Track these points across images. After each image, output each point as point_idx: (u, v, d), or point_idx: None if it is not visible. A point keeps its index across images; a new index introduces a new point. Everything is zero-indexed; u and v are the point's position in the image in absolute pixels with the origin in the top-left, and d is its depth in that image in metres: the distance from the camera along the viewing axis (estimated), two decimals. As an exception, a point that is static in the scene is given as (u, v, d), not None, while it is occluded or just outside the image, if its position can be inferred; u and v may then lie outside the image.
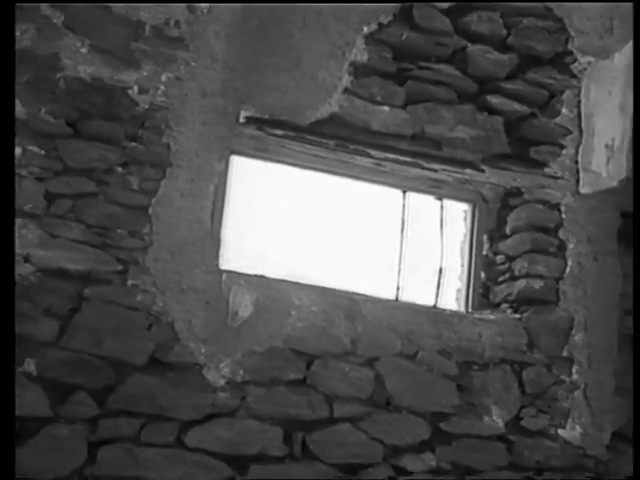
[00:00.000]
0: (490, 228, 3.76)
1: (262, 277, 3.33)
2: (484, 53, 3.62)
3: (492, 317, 3.57)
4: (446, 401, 3.45)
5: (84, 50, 3.10)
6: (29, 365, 3.02)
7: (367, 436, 3.33)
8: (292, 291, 3.32)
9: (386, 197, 3.65)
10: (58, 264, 3.08)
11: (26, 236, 3.05)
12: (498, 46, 3.64)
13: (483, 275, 3.76)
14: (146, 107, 3.18)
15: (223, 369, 3.19)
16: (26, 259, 3.05)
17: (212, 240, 3.26)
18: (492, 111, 3.63)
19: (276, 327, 3.26)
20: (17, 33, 3.01)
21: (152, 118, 3.18)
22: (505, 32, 3.65)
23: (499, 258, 3.74)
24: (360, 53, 3.44)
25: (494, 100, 3.64)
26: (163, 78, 3.20)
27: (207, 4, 3.20)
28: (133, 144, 3.17)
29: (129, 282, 3.15)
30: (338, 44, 3.40)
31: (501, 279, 3.71)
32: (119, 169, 3.16)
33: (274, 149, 3.43)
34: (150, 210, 3.19)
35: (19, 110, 3.03)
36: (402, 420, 3.39)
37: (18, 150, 3.03)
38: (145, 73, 3.18)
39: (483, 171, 3.63)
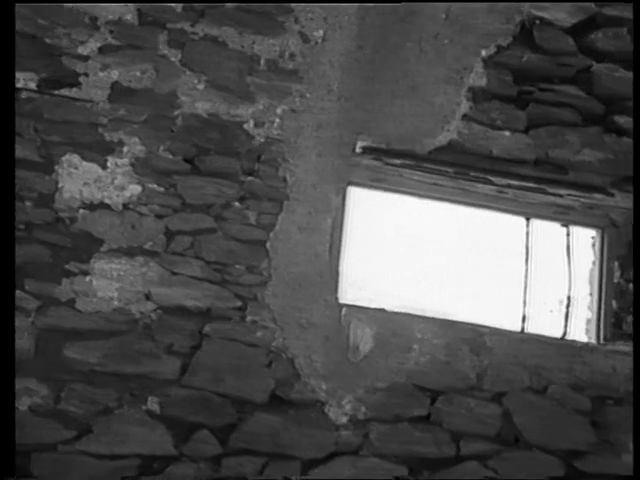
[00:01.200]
0: (621, 254, 3.53)
1: (382, 310, 3.23)
2: (611, 72, 3.42)
3: (626, 349, 3.34)
4: (580, 438, 3.25)
5: (201, 87, 3.10)
6: (152, 403, 3.02)
7: (496, 475, 3.16)
8: (413, 324, 3.20)
9: (509, 225, 3.48)
10: (178, 301, 3.08)
11: (147, 274, 3.06)
12: (625, 64, 3.42)
13: (615, 304, 3.53)
14: (262, 140, 3.14)
15: (345, 406, 3.10)
16: (147, 297, 3.06)
17: (331, 274, 3.18)
18: (620, 132, 3.41)
19: (398, 362, 3.15)
20: (137, 73, 3.03)
21: (268, 151, 3.15)
22: (632, 48, 3.43)
23: (632, 286, 3.50)
24: (478, 77, 3.31)
25: (622, 120, 3.42)
26: (278, 111, 3.16)
27: (321, 33, 3.14)
28: (250, 178, 3.13)
29: (248, 318, 3.11)
30: (455, 68, 3.28)
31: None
32: (237, 204, 3.13)
33: (391, 179, 3.33)
34: (268, 245, 3.14)
35: (139, 149, 3.04)
36: (533, 458, 3.21)
37: (138, 188, 3.05)
38: (260, 107, 3.14)
39: (612, 195, 3.42)
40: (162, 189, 3.07)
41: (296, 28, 3.15)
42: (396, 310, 3.25)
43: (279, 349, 3.10)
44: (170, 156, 3.08)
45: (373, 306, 3.24)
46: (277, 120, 3.15)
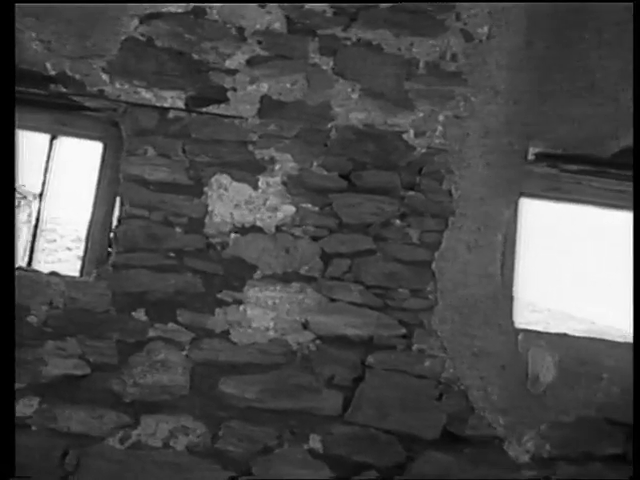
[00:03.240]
0: None
1: (564, 335, 2.88)
2: None
3: None
4: None
5: (355, 96, 2.84)
6: (314, 442, 2.78)
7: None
8: (601, 350, 2.84)
9: None
10: (338, 330, 2.83)
11: (304, 301, 2.83)
12: None
13: None
14: (423, 151, 2.86)
15: (526, 443, 2.77)
16: (305, 326, 2.83)
17: (504, 295, 2.86)
18: None
19: (585, 393, 2.80)
20: (287, 85, 2.80)
21: (430, 163, 2.86)
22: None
23: None
24: (668, 67, 2.91)
25: None
26: (440, 118, 2.87)
27: (485, 30, 2.83)
28: (411, 193, 2.86)
29: (414, 347, 2.83)
30: (641, 59, 2.90)
31: None
32: (397, 222, 2.86)
33: (568, 187, 2.98)
34: (433, 265, 2.85)
35: (291, 166, 2.81)
36: None
37: (291, 208, 2.82)
38: (421, 114, 2.86)
39: None
40: (317, 209, 2.83)
41: (458, 26, 2.86)
42: (580, 334, 2.88)
43: (450, 380, 2.81)
44: (324, 172, 2.84)
45: (552, 330, 2.89)
46: (439, 128, 2.87)
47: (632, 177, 2.86)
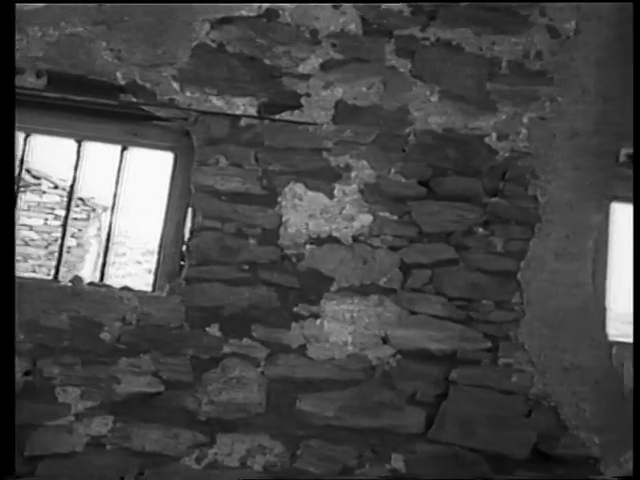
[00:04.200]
0: None
1: (662, 349, 2.69)
2: None
3: None
4: None
5: (434, 98, 2.71)
6: (397, 461, 2.66)
7: None
8: (702, 365, 2.64)
9: None
10: (419, 344, 2.70)
11: (383, 314, 2.71)
12: None
13: None
14: (506, 155, 2.71)
15: (624, 464, 2.60)
16: (384, 340, 2.70)
17: (596, 306, 2.70)
18: None
19: (686, 411, 2.60)
20: (363, 89, 2.68)
21: (514, 167, 2.71)
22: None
23: None
24: None
25: None
26: (524, 119, 2.72)
27: (573, 25, 2.67)
28: (494, 200, 2.71)
29: (501, 361, 2.69)
30: None
31: None
32: (480, 230, 2.71)
33: (662, 190, 2.79)
34: (519, 275, 2.71)
35: (368, 173, 2.69)
36: None
37: (369, 217, 2.69)
38: (503, 116, 2.72)
39: None
40: (395, 217, 2.71)
41: (542, 22, 2.71)
42: (678, 347, 2.70)
43: (539, 396, 2.66)
44: (402, 179, 2.71)
45: (648, 343, 2.71)
46: (523, 130, 2.72)
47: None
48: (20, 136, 2.72)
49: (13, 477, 2.17)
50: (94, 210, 12.22)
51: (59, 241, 2.78)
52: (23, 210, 11.16)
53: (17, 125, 2.65)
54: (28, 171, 11.41)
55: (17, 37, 2.55)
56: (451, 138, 2.71)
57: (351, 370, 2.70)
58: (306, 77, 2.68)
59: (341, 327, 2.70)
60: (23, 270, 11.25)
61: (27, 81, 2.57)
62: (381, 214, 2.71)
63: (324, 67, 2.68)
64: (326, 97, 2.69)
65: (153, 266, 2.79)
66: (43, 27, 2.57)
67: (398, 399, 2.70)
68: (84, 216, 12.09)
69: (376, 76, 2.70)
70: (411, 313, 2.71)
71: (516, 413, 2.66)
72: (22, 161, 2.77)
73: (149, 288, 2.82)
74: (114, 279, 2.62)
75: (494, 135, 2.71)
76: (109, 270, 2.79)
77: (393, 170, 2.71)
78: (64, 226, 2.79)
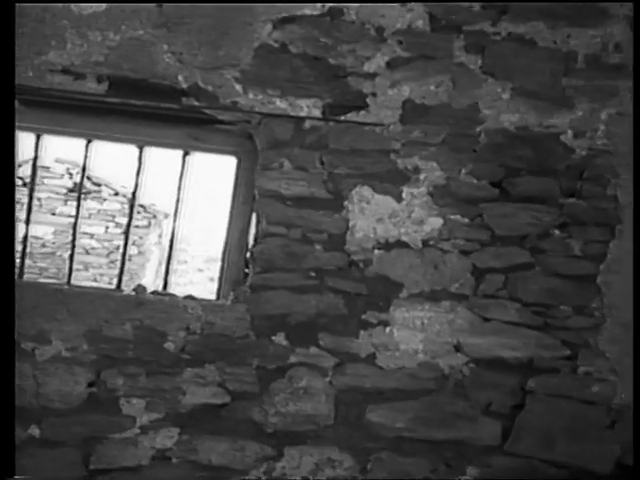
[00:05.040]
0: None
1: None
2: None
3: None
4: None
5: (506, 96, 2.59)
6: (472, 474, 2.57)
7: None
8: None
9: None
10: (494, 352, 2.60)
11: (455, 321, 2.60)
12: None
13: None
14: (583, 154, 2.59)
15: None
16: (457, 348, 2.60)
17: (682, 312, 2.54)
18: None
19: None
20: (431, 87, 2.57)
21: (592, 166, 2.59)
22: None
23: None
24: None
25: None
26: (602, 116, 2.59)
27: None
28: (571, 200, 2.59)
29: (580, 370, 2.58)
30: None
31: None
32: (556, 232, 2.60)
33: None
34: (599, 279, 2.59)
35: (438, 175, 2.58)
36: None
37: (439, 221, 2.59)
38: (580, 113, 2.59)
39: None
40: (466, 220, 2.60)
41: (622, 12, 2.58)
42: None
43: (623, 406, 2.55)
44: (474, 181, 2.60)
45: None
46: (602, 127, 2.59)
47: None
48: (82, 143, 2.67)
49: (13, 478, 2.14)
50: (155, 217, 12.17)
51: (121, 249, 2.73)
52: (84, 218, 11.23)
53: (78, 131, 2.60)
54: (89, 178, 11.47)
55: (77, 42, 2.51)
56: (524, 137, 2.60)
57: (422, 379, 2.61)
58: (372, 76, 2.59)
59: (411, 335, 2.61)
60: (84, 279, 11.30)
61: (88, 87, 2.52)
62: (452, 217, 2.61)
63: (390, 65, 2.59)
64: (393, 96, 2.60)
65: (216, 274, 2.72)
66: (104, 31, 2.51)
67: (472, 410, 2.60)
68: (145, 223, 12.06)
69: (445, 74, 2.59)
70: (484, 320, 2.61)
71: (598, 424, 2.55)
72: (84, 168, 2.72)
73: (212, 296, 2.76)
74: (176, 287, 2.58)
75: (570, 133, 2.59)
76: (171, 278, 2.72)
77: (464, 171, 2.61)
78: (126, 234, 2.73)
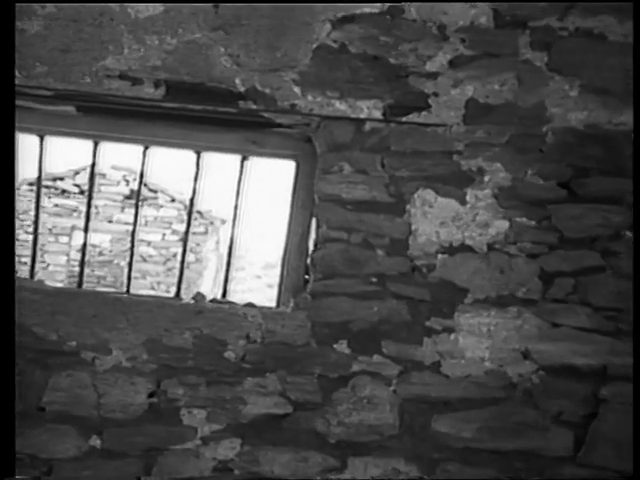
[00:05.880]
0: None
1: None
2: None
3: None
4: None
5: (574, 93, 2.50)
6: (542, 485, 2.44)
7: None
8: None
9: None
10: (564, 359, 2.52)
11: (522, 327, 2.52)
12: None
13: None
14: (656, 152, 2.47)
15: None
16: (525, 355, 2.51)
17: None
18: None
19: None
20: (495, 86, 2.49)
21: (665, 165, 2.47)
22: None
23: None
24: None
25: None
26: (675, 112, 2.47)
27: None
28: (643, 201, 2.48)
29: (656, 377, 2.44)
30: None
31: None
32: (628, 233, 2.50)
33: None
34: (674, 282, 2.46)
35: (503, 176, 2.50)
36: None
37: (505, 224, 2.51)
38: (652, 109, 2.48)
39: None
40: (533, 222, 2.51)
41: (695, 4, 2.46)
42: None
43: (702, 416, 2.40)
44: (540, 181, 2.51)
45: None
46: (675, 123, 2.47)
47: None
48: (138, 149, 2.63)
49: (13, 478, 2.10)
50: (212, 223, 12.08)
51: (179, 257, 2.68)
52: (141, 225, 11.26)
53: (136, 137, 2.56)
54: (145, 185, 11.48)
55: (135, 47, 2.46)
56: (594, 135, 2.50)
57: (490, 388, 2.53)
58: (434, 75, 2.51)
59: (477, 342, 2.53)
60: (142, 287, 11.27)
61: (145, 92, 2.48)
62: (518, 220, 2.52)
63: (453, 64, 2.51)
64: (455, 96, 2.52)
65: (276, 280, 2.66)
66: (161, 35, 2.47)
67: (542, 419, 2.51)
68: (202, 230, 11.99)
69: (509, 71, 2.51)
70: (553, 325, 2.52)
71: (677, 434, 2.42)
72: (142, 175, 2.68)
73: (270, 303, 2.70)
74: (234, 295, 2.53)
75: (642, 130, 2.48)
76: (230, 286, 2.67)
77: (530, 172, 2.52)
78: (184, 241, 2.68)
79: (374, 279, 2.53)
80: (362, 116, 2.52)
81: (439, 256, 2.53)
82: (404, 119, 2.52)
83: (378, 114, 2.52)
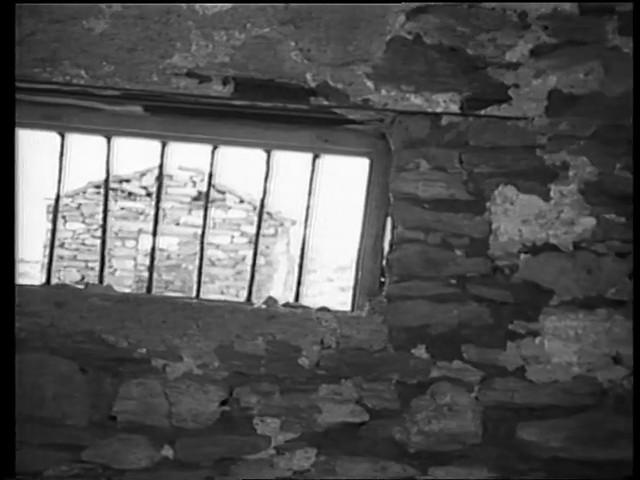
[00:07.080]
0: None
1: None
2: None
3: None
4: None
5: (665, 81, 2.34)
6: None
7: None
8: None
9: None
10: (658, 364, 2.34)
11: (612, 330, 2.39)
12: None
13: None
14: None
15: None
16: (616, 360, 2.41)
17: None
18: None
19: None
20: (580, 75, 2.36)
21: None
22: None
23: None
24: None
25: None
26: None
27: None
28: None
29: None
30: None
31: None
32: None
33: None
34: None
35: (589, 170, 2.36)
36: None
37: (592, 221, 2.37)
38: None
39: None
40: (622, 219, 2.38)
41: None
42: None
43: None
44: (629, 176, 2.37)
45: None
46: None
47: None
48: (206, 149, 2.55)
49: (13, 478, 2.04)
50: (282, 225, 11.79)
51: (250, 259, 2.59)
52: (209, 228, 11.17)
53: (204, 137, 2.48)
54: (213, 186, 11.36)
55: (202, 43, 2.38)
56: (689, 127, 2.35)
57: (578, 394, 2.40)
58: (514, 66, 2.39)
59: (564, 346, 2.41)
60: (211, 292, 11.05)
61: (213, 89, 2.40)
62: (606, 216, 2.39)
63: (534, 53, 2.39)
64: (537, 87, 2.40)
65: (350, 284, 2.57)
66: (229, 30, 2.38)
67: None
68: (272, 232, 11.72)
69: (595, 59, 2.37)
70: (648, 328, 2.37)
71: None
72: (210, 175, 2.60)
73: (343, 307, 2.60)
74: (305, 298, 2.45)
75: None
76: (302, 289, 2.58)
77: (618, 166, 2.39)
78: (255, 243, 2.59)
79: (453, 281, 2.42)
80: (438, 110, 2.41)
81: (522, 256, 2.41)
82: (483, 112, 2.41)
83: (455, 108, 2.41)
